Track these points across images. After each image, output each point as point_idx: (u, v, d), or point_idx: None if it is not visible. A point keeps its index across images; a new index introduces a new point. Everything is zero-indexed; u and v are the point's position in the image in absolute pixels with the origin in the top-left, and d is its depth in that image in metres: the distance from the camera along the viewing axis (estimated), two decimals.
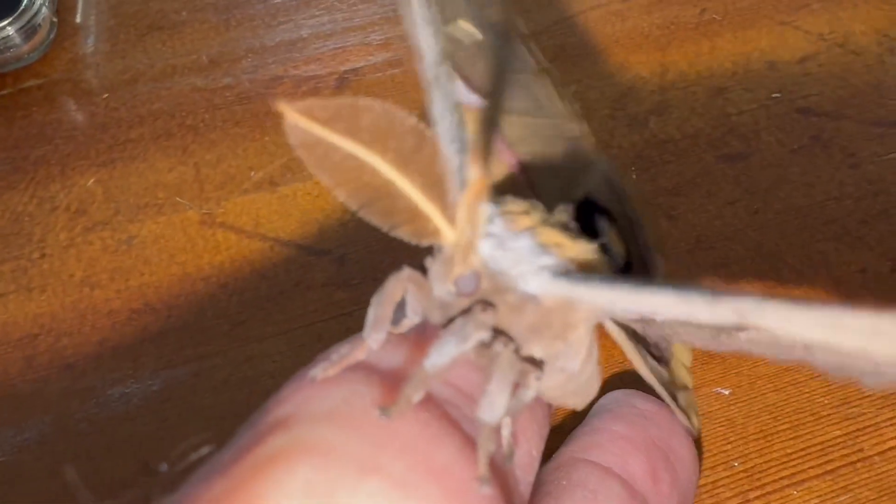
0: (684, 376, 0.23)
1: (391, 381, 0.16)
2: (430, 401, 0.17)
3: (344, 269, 0.31)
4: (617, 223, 0.23)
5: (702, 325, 0.16)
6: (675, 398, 0.22)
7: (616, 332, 0.19)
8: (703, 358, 0.28)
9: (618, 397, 0.25)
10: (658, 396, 0.24)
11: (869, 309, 0.14)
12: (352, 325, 0.17)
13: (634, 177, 0.33)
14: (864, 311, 0.14)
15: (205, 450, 0.22)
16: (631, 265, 0.22)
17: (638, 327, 0.19)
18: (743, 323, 0.15)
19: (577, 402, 0.21)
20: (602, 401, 0.25)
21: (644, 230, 0.23)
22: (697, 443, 0.26)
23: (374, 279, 0.18)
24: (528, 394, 0.17)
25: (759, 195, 0.32)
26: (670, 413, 0.24)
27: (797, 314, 0.15)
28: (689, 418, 0.23)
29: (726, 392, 0.27)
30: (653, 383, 0.20)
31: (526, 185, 0.21)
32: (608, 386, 0.26)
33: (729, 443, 0.26)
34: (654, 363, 0.21)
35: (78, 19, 0.41)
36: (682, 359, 0.23)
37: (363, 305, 0.17)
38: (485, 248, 0.17)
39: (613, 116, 0.36)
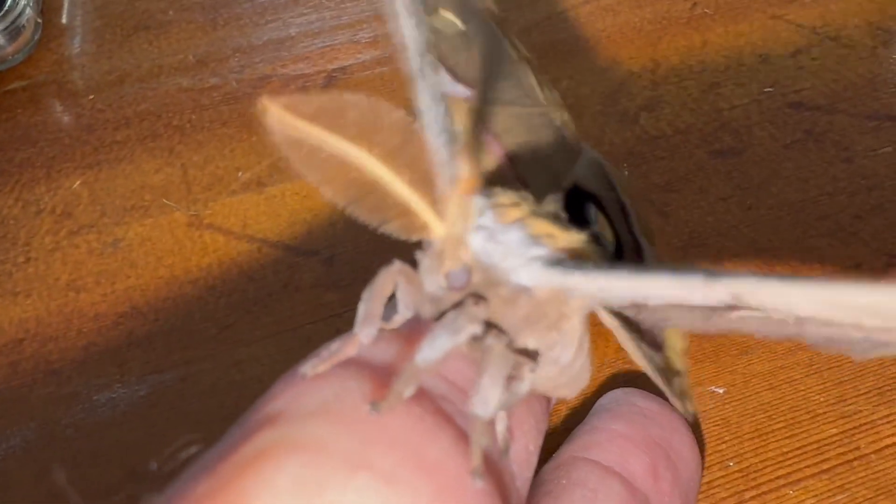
0: (678, 362, 0.23)
1: (383, 377, 0.16)
2: (423, 396, 0.16)
3: (333, 269, 0.31)
4: (606, 210, 0.22)
5: (694, 308, 0.16)
6: (669, 384, 0.22)
7: (609, 320, 0.19)
8: (697, 356, 0.28)
9: (618, 396, 0.25)
10: (656, 389, 0.24)
11: (863, 283, 0.14)
12: (341, 327, 0.17)
13: (626, 173, 0.33)
14: (860, 285, 0.14)
15: (193, 450, 0.22)
16: (622, 251, 0.22)
17: (630, 313, 0.19)
18: (736, 303, 0.15)
19: (568, 393, 0.21)
20: (602, 400, 0.25)
21: (634, 216, 0.23)
22: (699, 441, 0.25)
23: (364, 280, 0.17)
24: (523, 386, 0.17)
25: (752, 191, 0.32)
26: (671, 411, 0.24)
27: (792, 292, 0.15)
28: (684, 404, 0.23)
29: (720, 391, 0.27)
30: (647, 369, 0.20)
31: (514, 176, 0.21)
32: (607, 386, 0.26)
33: (724, 442, 0.26)
34: (648, 349, 0.21)
35: (63, 20, 0.41)
36: (675, 344, 0.23)
37: (353, 307, 0.17)
38: (475, 242, 0.16)
39: (605, 112, 0.35)
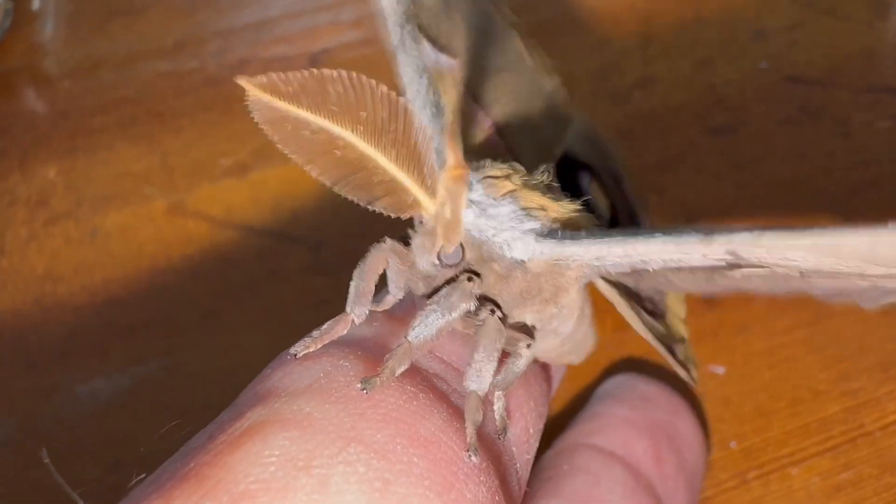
0: (680, 329, 0.23)
1: (375, 356, 0.16)
2: (416, 374, 0.16)
3: (320, 255, 0.30)
4: (600, 178, 0.22)
5: (695, 269, 0.16)
6: (672, 352, 0.22)
7: (608, 291, 0.19)
8: (696, 335, 0.27)
9: (620, 381, 0.25)
10: (658, 373, 0.24)
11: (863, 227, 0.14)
12: (330, 313, 0.17)
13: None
14: (859, 229, 0.14)
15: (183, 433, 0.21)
16: (617, 219, 0.22)
17: (630, 281, 0.19)
18: (737, 261, 0.15)
19: (574, 359, 0.21)
20: (604, 385, 0.25)
21: (628, 183, 0.22)
22: (704, 423, 0.25)
23: (352, 265, 0.17)
24: (520, 363, 0.17)
25: (748, 168, 0.32)
26: (674, 394, 0.24)
27: (790, 243, 0.15)
28: (689, 372, 0.23)
29: (720, 370, 0.27)
30: (648, 338, 0.20)
31: (503, 146, 0.21)
32: (607, 371, 0.26)
33: (724, 422, 0.26)
34: (649, 318, 0.21)
35: (35, 5, 0.40)
36: (677, 312, 0.23)
37: (340, 293, 0.17)
38: (467, 217, 0.16)
39: (595, 91, 0.35)
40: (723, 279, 0.16)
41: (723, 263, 0.15)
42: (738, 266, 0.15)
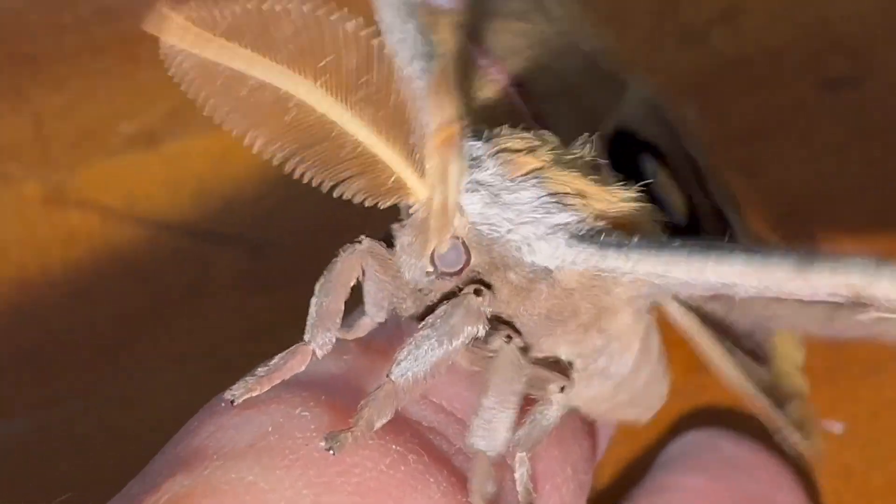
0: (794, 380, 0.23)
1: (346, 401, 0.16)
2: (405, 428, 0.17)
3: (262, 264, 0.31)
4: (671, 165, 0.23)
5: (808, 304, 0.16)
6: (781, 410, 0.22)
7: (683, 317, 0.19)
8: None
9: (694, 440, 0.26)
10: (753, 428, 0.24)
11: None
12: (278, 343, 0.17)
13: (692, 115, 0.33)
14: None
15: None
16: (698, 222, 0.22)
17: (717, 309, 0.19)
18: (859, 299, 0.15)
19: (637, 415, 0.22)
20: (672, 446, 0.26)
21: (712, 175, 0.23)
22: (816, 499, 0.26)
23: (310, 275, 0.17)
24: (550, 413, 0.17)
25: (878, 137, 0.32)
26: (774, 459, 0.25)
27: None
28: (805, 438, 0.23)
29: (838, 428, 0.27)
30: (744, 389, 0.20)
31: (529, 112, 0.21)
32: (676, 426, 0.27)
33: (845, 499, 0.26)
34: (747, 360, 0.21)
35: None
36: (791, 355, 0.23)
37: (294, 314, 0.17)
38: (472, 206, 0.17)
39: (660, 28, 0.35)
40: (846, 321, 0.16)
41: (842, 300, 0.15)
42: (865, 306, 0.16)
